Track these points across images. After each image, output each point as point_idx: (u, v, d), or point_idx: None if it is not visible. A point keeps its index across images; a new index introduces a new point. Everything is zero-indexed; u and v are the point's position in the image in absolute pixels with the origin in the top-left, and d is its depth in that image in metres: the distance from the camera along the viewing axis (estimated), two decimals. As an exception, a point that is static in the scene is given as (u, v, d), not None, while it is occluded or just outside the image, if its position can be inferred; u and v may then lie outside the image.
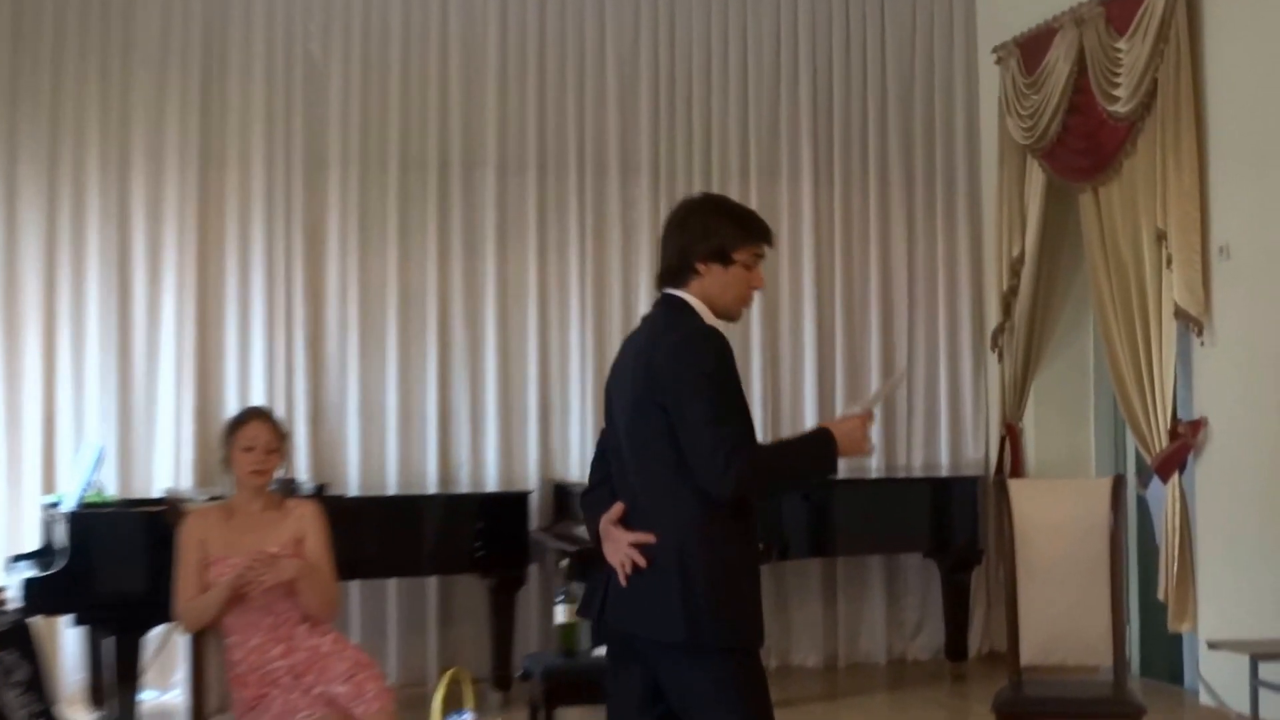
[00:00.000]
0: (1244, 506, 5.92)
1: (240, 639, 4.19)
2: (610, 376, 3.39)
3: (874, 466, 7.61)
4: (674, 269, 3.25)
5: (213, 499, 4.93)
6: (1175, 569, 6.14)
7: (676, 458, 3.07)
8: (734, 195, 7.60)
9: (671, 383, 3.08)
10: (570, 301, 7.56)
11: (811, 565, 7.53)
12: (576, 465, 7.42)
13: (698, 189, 7.68)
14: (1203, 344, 6.11)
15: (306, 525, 4.34)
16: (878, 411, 3.32)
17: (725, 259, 3.20)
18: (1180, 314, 6.09)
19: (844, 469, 7.64)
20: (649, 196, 7.67)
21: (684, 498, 3.07)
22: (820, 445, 3.15)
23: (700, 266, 3.20)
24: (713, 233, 3.21)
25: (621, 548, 3.14)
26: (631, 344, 3.33)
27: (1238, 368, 5.97)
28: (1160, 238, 6.20)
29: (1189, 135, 6.12)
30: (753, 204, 7.59)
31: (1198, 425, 6.12)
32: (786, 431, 7.62)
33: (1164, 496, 6.21)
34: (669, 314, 3.23)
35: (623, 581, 3.13)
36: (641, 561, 3.10)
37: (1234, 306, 6.00)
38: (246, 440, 4.28)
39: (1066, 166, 6.97)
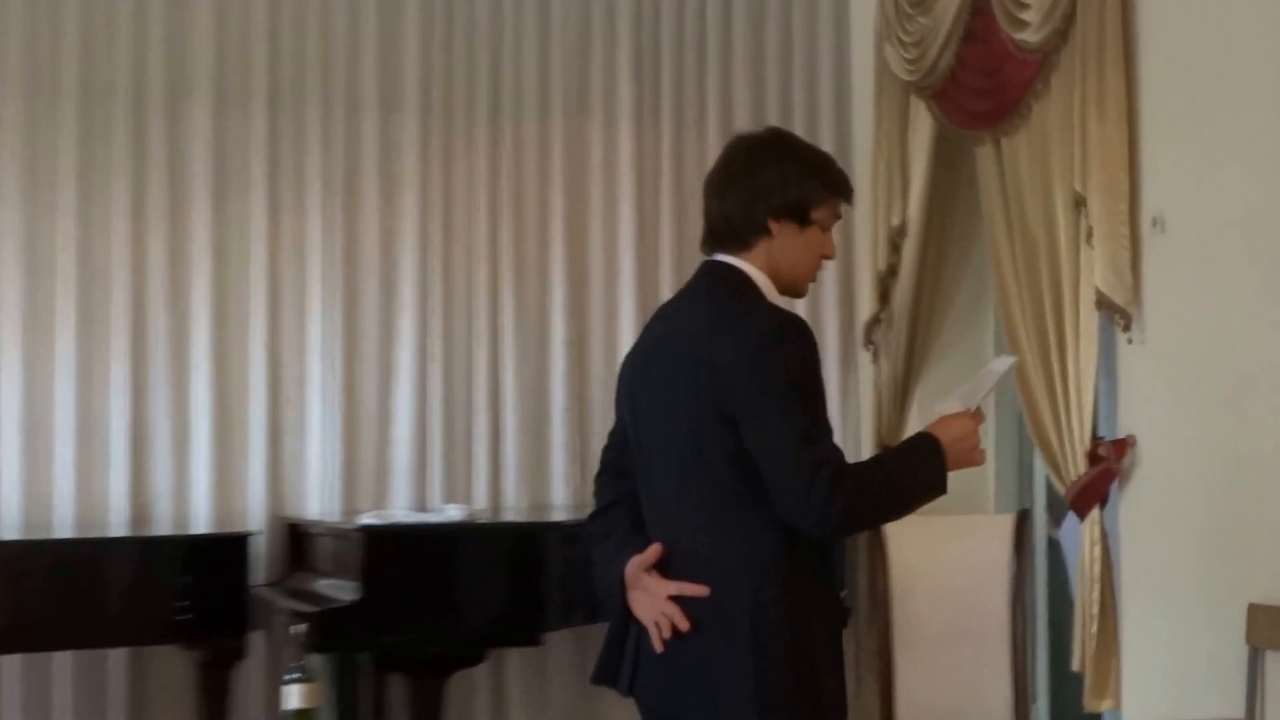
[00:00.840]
0: (1182, 550, 5.98)
1: None
2: (631, 365, 3.40)
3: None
4: (734, 228, 3.30)
5: None
6: (1095, 631, 6.20)
7: (743, 486, 3.08)
8: (530, 137, 7.80)
9: (747, 392, 3.08)
10: (311, 277, 7.48)
11: (590, 633, 7.34)
12: (316, 497, 7.36)
13: (482, 128, 7.70)
14: (1131, 341, 6.17)
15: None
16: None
17: (803, 218, 3.27)
18: (1103, 302, 6.12)
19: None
20: (417, 139, 7.62)
21: (754, 538, 3.09)
22: (928, 460, 3.17)
23: (773, 225, 3.25)
24: (791, 182, 3.26)
25: (659, 602, 3.12)
26: (668, 326, 3.34)
27: (1175, 371, 6.03)
28: (1079, 204, 6.22)
29: (1115, 73, 6.16)
30: (554, 150, 7.76)
31: (1124, 445, 6.20)
32: (596, 443, 7.65)
33: (1081, 537, 6.30)
34: (724, 290, 3.26)
35: (657, 646, 3.14)
36: (683, 624, 3.09)
37: (1171, 293, 6.03)
38: None
39: (961, 110, 7.03)
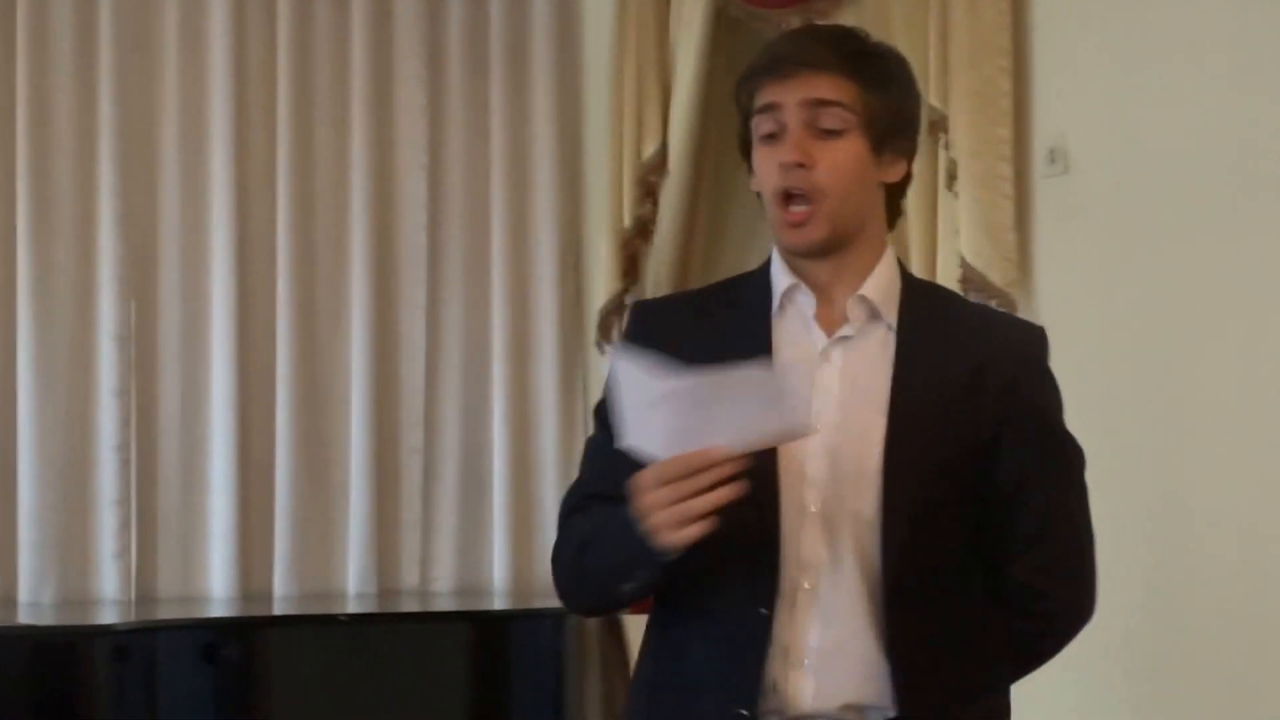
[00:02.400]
0: (1111, 709, 5.94)
1: None
2: None
3: (353, 592, 7.61)
4: None
5: None
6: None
7: None
8: (51, 12, 7.44)
9: None
10: None
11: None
12: None
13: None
14: (1017, 341, 6.15)
15: None
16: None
17: (746, 147, 3.54)
18: (972, 281, 6.11)
19: (314, 599, 7.78)
20: None
21: None
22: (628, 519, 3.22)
23: (753, 179, 3.55)
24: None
25: None
26: None
27: (1084, 392, 5.80)
28: (936, 127, 6.24)
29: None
30: (101, 31, 7.49)
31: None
32: (165, 496, 7.67)
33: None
34: None
35: None
36: None
37: (1077, 268, 6.07)
38: None
39: (753, -23, 7.01)
